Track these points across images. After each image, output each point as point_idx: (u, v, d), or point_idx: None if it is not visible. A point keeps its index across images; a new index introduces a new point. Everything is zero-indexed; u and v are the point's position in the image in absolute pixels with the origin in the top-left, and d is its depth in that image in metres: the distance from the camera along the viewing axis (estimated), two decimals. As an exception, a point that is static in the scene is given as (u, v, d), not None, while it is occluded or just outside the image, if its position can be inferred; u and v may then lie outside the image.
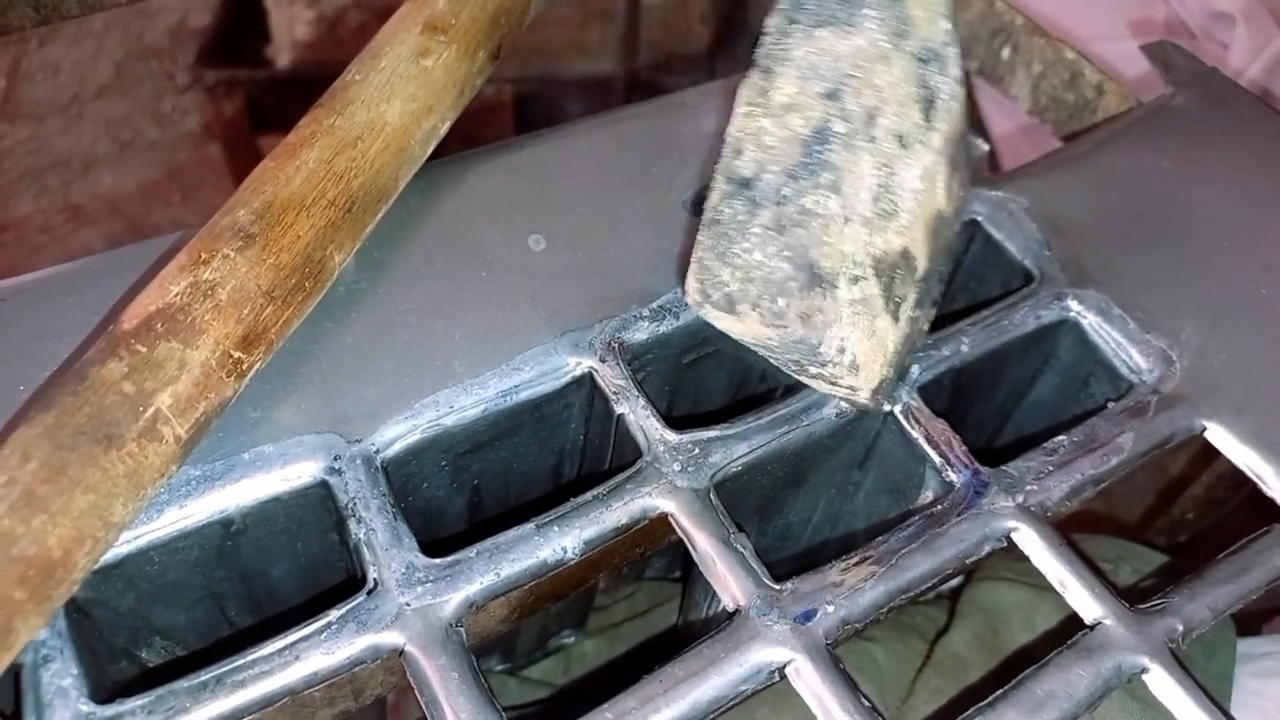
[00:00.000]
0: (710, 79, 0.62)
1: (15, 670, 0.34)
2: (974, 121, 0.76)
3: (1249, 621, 0.65)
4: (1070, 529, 0.43)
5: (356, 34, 1.32)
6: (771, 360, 0.40)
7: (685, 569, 0.61)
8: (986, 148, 0.55)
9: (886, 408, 0.42)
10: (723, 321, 0.38)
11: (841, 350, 0.37)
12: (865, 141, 0.36)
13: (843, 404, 0.43)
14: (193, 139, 1.86)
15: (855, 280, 0.36)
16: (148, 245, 0.43)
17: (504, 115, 1.32)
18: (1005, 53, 0.60)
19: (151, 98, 1.94)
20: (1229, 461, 0.44)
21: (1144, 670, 0.37)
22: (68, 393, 0.33)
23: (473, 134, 0.49)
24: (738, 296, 0.36)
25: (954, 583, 0.63)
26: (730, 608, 0.38)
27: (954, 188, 0.40)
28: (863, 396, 0.40)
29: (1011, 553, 0.41)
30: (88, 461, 0.32)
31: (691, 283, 0.37)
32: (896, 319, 0.38)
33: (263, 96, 1.35)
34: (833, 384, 0.39)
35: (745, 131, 0.36)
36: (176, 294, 0.35)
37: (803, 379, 0.41)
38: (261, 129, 1.39)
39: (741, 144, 0.36)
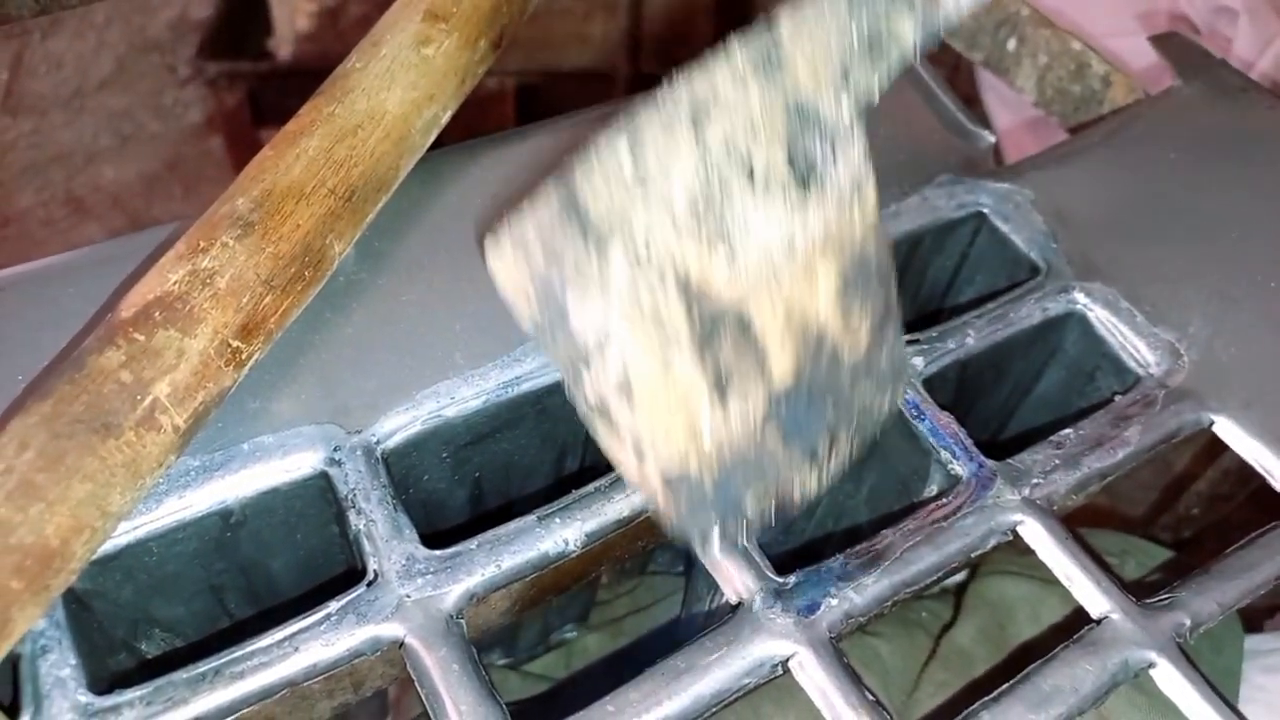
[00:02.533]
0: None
1: (13, 660, 0.33)
2: (980, 113, 0.76)
3: (1255, 618, 0.64)
4: (1074, 524, 0.42)
5: (358, 26, 1.31)
6: (551, 359, 0.33)
7: (688, 563, 0.60)
8: (992, 139, 0.54)
9: (700, 552, 0.35)
10: (494, 267, 0.31)
11: (604, 342, 0.29)
12: (686, 128, 0.30)
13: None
14: (194, 132, 1.86)
15: (639, 263, 0.29)
16: (146, 235, 0.43)
17: (506, 107, 1.31)
18: (1011, 44, 0.60)
19: (153, 91, 1.94)
20: (1234, 457, 0.44)
21: (1151, 665, 0.37)
22: (65, 381, 0.33)
23: (474, 125, 0.49)
24: (508, 232, 0.30)
25: (959, 577, 0.62)
26: (733, 601, 0.37)
27: (857, 323, 0.33)
28: (651, 480, 0.32)
29: (1017, 546, 0.41)
30: (85, 450, 0.32)
31: (490, 239, 0.31)
32: (721, 399, 0.31)
33: (264, 89, 1.34)
34: (612, 427, 0.31)
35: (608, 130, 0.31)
36: (175, 282, 0.35)
37: (589, 423, 0.33)
38: (263, 121, 1.39)
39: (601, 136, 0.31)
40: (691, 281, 0.30)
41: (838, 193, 0.32)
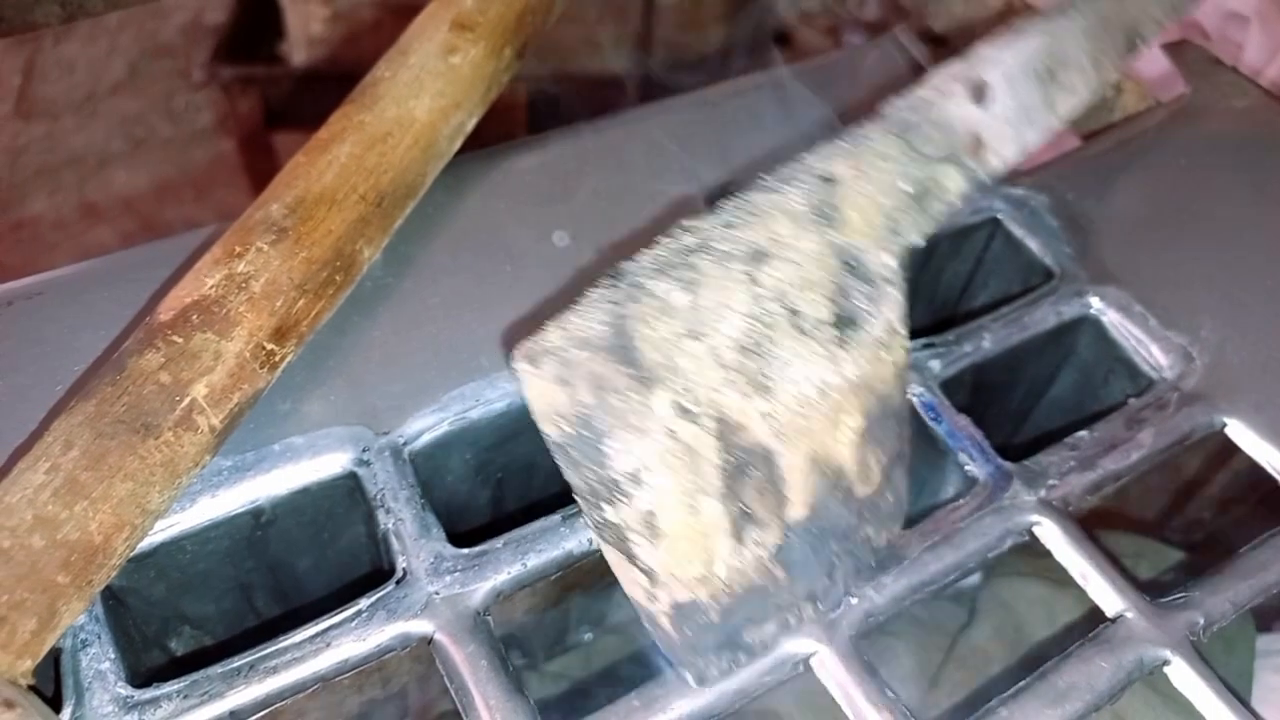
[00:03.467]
0: (724, 78, 0.62)
1: (55, 654, 0.34)
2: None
3: (1266, 618, 0.65)
4: (1089, 527, 0.43)
5: (372, 31, 1.33)
6: (576, 494, 0.32)
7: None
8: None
9: (693, 680, 0.35)
10: (526, 384, 0.31)
11: (636, 480, 0.29)
12: (742, 273, 0.31)
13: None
14: (206, 136, 1.87)
15: (684, 411, 0.30)
16: (181, 239, 0.44)
17: (518, 113, 1.32)
18: (1024, 51, 0.61)
19: (165, 95, 1.95)
20: (1245, 460, 0.45)
21: (1165, 663, 0.37)
22: (107, 383, 0.34)
23: (485, 128, 0.50)
24: (549, 349, 0.30)
25: (975, 580, 0.63)
26: (754, 600, 0.38)
27: (871, 464, 0.34)
28: (661, 605, 0.32)
29: (1031, 550, 0.41)
30: (126, 450, 0.33)
31: (521, 343, 0.31)
32: (738, 535, 0.31)
33: (277, 93, 1.35)
34: (629, 557, 0.31)
35: (648, 249, 0.33)
36: (211, 286, 0.36)
37: (604, 549, 0.33)
38: (276, 125, 1.40)
39: (640, 255, 0.32)
40: (728, 423, 0.30)
41: (873, 340, 0.33)
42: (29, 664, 0.31)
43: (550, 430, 0.30)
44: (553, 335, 0.30)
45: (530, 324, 0.38)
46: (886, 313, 0.33)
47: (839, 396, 0.32)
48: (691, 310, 0.30)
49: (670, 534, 0.30)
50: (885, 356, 0.33)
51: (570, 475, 0.31)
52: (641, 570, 0.31)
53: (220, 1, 1.60)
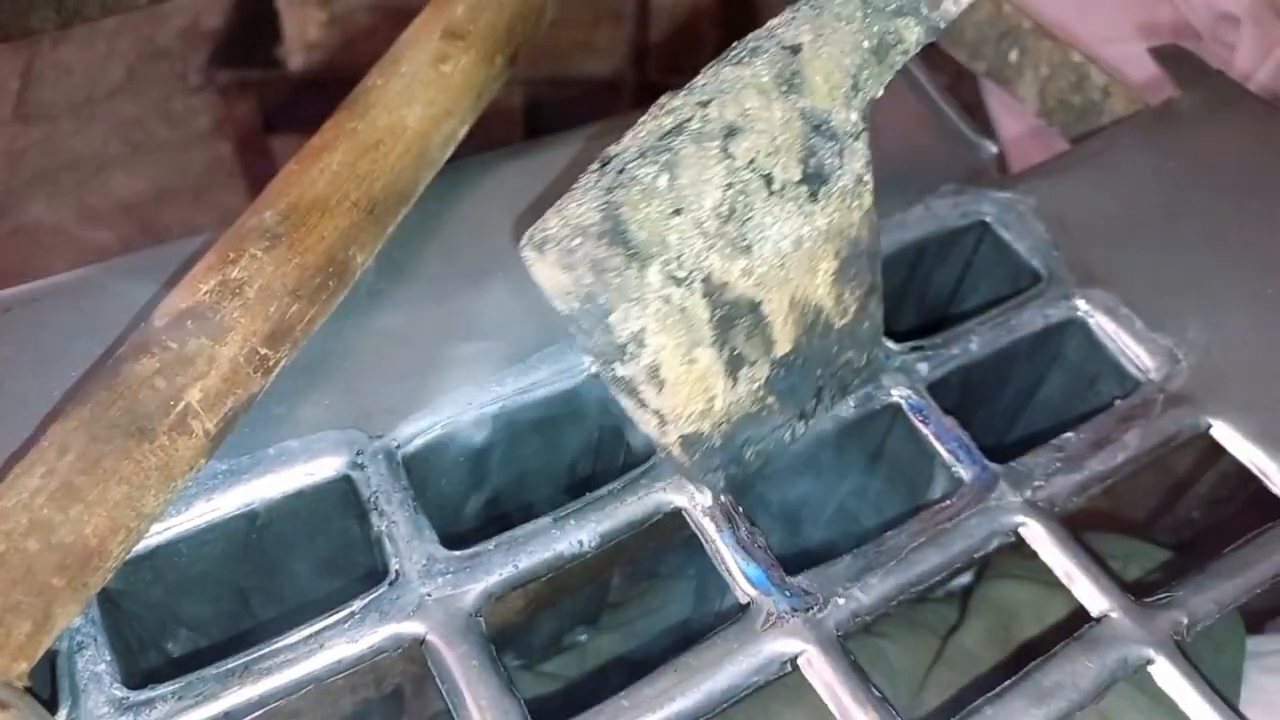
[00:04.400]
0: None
1: (51, 656, 0.35)
2: (983, 123, 0.77)
3: (1257, 618, 0.65)
4: (1078, 527, 0.44)
5: (368, 36, 1.33)
6: (586, 352, 0.39)
7: (698, 567, 0.62)
8: (995, 150, 0.55)
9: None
10: (535, 268, 0.35)
11: (640, 342, 0.34)
12: (718, 150, 0.34)
13: (856, 399, 0.43)
14: (204, 140, 1.87)
15: (675, 280, 0.34)
16: (177, 246, 0.44)
17: (513, 117, 1.33)
18: (1013, 55, 0.61)
19: (163, 99, 1.96)
20: (1233, 460, 0.45)
21: (1149, 662, 0.38)
22: (102, 387, 0.34)
23: (481, 132, 0.50)
24: (550, 237, 0.34)
25: (965, 580, 0.63)
26: (743, 600, 0.38)
27: (847, 299, 0.39)
28: (671, 438, 0.37)
29: (1022, 551, 0.42)
30: (122, 454, 0.33)
31: (526, 232, 0.35)
32: (732, 375, 0.36)
33: (274, 97, 1.36)
34: (640, 404, 0.36)
35: (632, 130, 0.36)
36: (206, 292, 0.36)
37: (618, 396, 0.37)
38: (273, 129, 1.40)
39: (625, 137, 0.36)
40: (714, 281, 0.35)
41: (841, 191, 0.37)
42: (25, 666, 0.31)
43: (561, 306, 0.35)
44: (553, 222, 0.34)
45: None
46: (853, 165, 0.37)
47: (813, 245, 0.37)
48: (672, 190, 0.34)
49: (672, 381, 0.35)
50: (854, 204, 0.38)
51: (582, 341, 0.35)
52: (652, 413, 0.36)
53: (217, 6, 1.61)
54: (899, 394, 0.45)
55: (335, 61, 1.35)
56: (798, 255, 0.36)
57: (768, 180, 0.35)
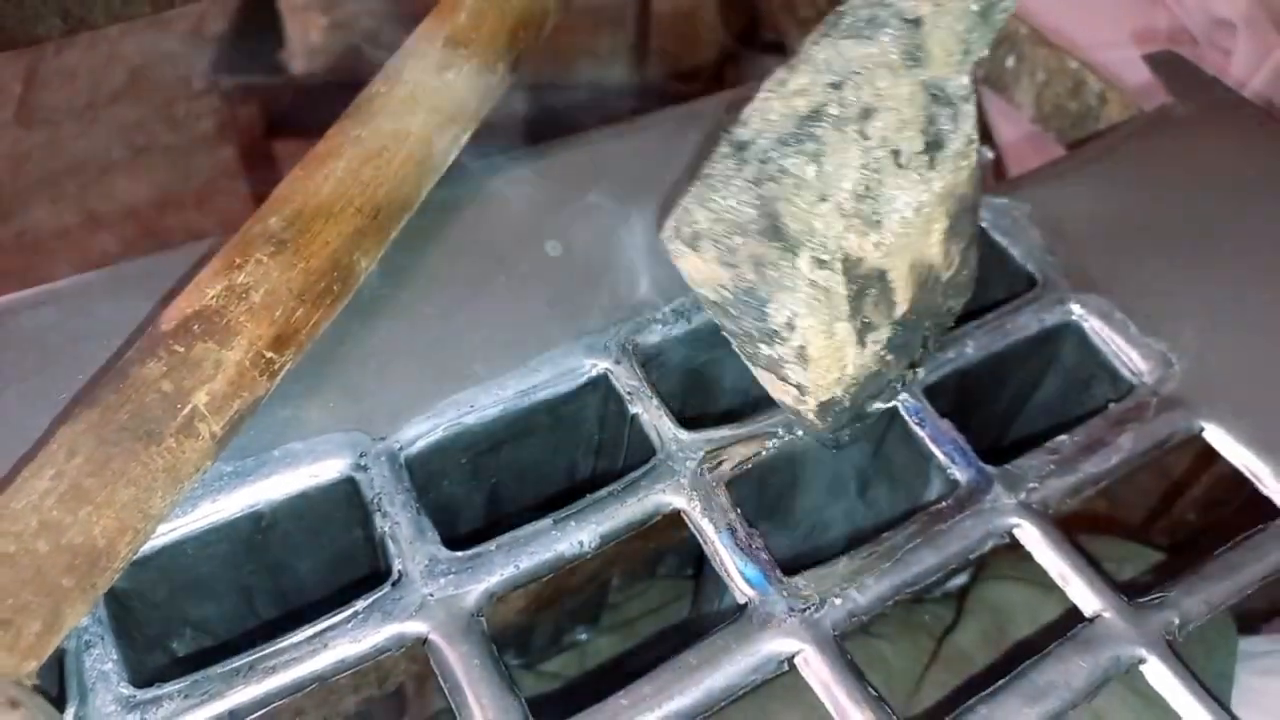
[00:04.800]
0: (719, 87, 0.63)
1: (59, 655, 0.35)
2: (980, 129, 0.77)
3: (1250, 620, 0.66)
4: (1074, 530, 0.44)
5: (370, 40, 1.34)
6: (727, 332, 0.40)
7: (697, 567, 0.62)
8: (991, 155, 0.56)
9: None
10: (686, 261, 0.39)
11: (790, 326, 0.37)
12: (855, 132, 0.37)
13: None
14: (207, 144, 1.88)
15: (820, 264, 0.37)
16: (183, 251, 0.45)
17: (515, 122, 1.34)
18: (1010, 61, 0.62)
19: (165, 103, 1.97)
20: (1228, 463, 0.46)
21: (1141, 661, 0.38)
22: (110, 391, 0.35)
23: (485, 140, 0.51)
24: (703, 233, 0.37)
25: (961, 580, 0.64)
26: (740, 600, 0.39)
27: (953, 253, 0.41)
28: (809, 406, 0.40)
29: (1016, 551, 0.42)
30: (129, 456, 0.34)
31: (669, 222, 0.39)
32: (861, 341, 0.39)
33: (278, 102, 1.37)
34: (782, 379, 0.40)
35: (754, 108, 0.38)
36: (213, 297, 0.37)
37: (755, 369, 0.41)
38: (276, 133, 1.41)
39: (749, 117, 0.38)
40: (851, 259, 0.37)
41: (955, 154, 0.39)
42: (34, 665, 0.32)
43: (710, 294, 0.38)
44: (699, 215, 0.37)
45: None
46: (965, 128, 0.39)
47: (930, 209, 0.39)
48: (820, 179, 0.36)
49: (816, 358, 0.38)
50: (964, 164, 0.39)
51: (726, 324, 0.39)
52: (793, 386, 0.40)
53: (221, 11, 1.62)
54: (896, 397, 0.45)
55: (338, 66, 1.35)
56: (917, 221, 0.39)
57: (896, 155, 0.37)
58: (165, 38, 2.00)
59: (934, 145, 0.38)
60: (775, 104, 0.37)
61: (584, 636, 0.61)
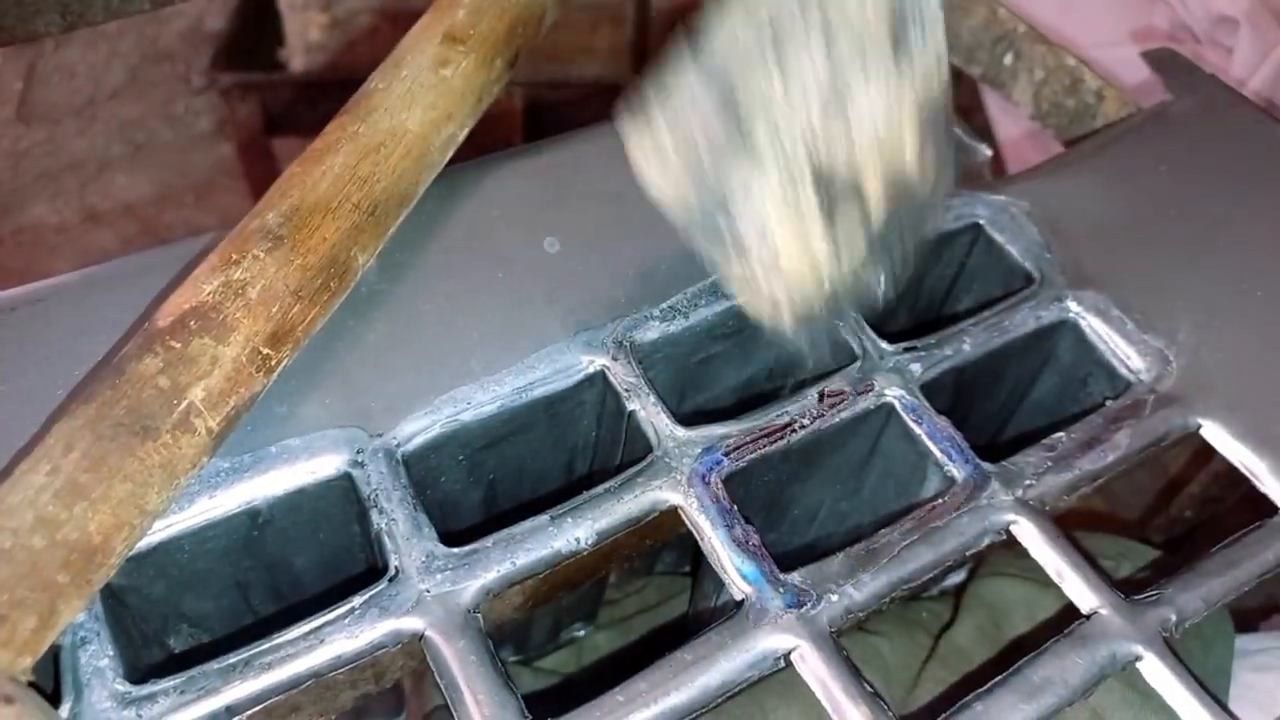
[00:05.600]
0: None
1: (54, 651, 0.35)
2: (979, 126, 0.77)
3: (1248, 618, 0.66)
4: (1072, 527, 0.44)
5: (369, 39, 1.34)
6: (699, 250, 0.41)
7: (694, 563, 0.62)
8: (989, 153, 0.56)
9: (810, 360, 0.44)
10: (651, 169, 0.38)
11: (763, 236, 0.38)
12: (820, 43, 0.37)
13: (847, 410, 0.44)
14: (205, 141, 1.88)
15: (789, 175, 0.37)
16: (180, 246, 0.45)
17: (513, 119, 1.33)
18: (1008, 59, 0.62)
19: (164, 101, 1.97)
20: (1225, 460, 0.46)
21: (1138, 658, 0.38)
22: (107, 386, 0.35)
23: (482, 133, 0.51)
24: (666, 134, 0.36)
25: (959, 578, 0.64)
26: (737, 597, 0.39)
27: (927, 160, 0.41)
28: (786, 316, 0.41)
29: (1012, 548, 0.42)
30: (126, 452, 0.34)
31: (631, 134, 0.38)
32: (838, 256, 0.40)
33: (276, 99, 1.37)
34: (757, 292, 0.40)
35: (716, 19, 0.37)
36: (209, 292, 0.37)
37: (730, 285, 0.42)
38: (275, 130, 1.41)
39: (712, 28, 0.36)
40: (822, 170, 0.38)
41: (925, 67, 0.40)
42: (29, 661, 0.32)
43: (680, 210, 0.38)
44: (665, 133, 0.37)
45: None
46: (933, 44, 0.39)
47: (902, 123, 0.39)
48: (785, 91, 0.36)
49: (790, 266, 0.39)
50: (934, 77, 0.40)
51: (698, 239, 0.39)
52: (768, 298, 0.41)
53: (220, 9, 1.61)
54: (892, 394, 0.45)
55: (337, 64, 1.35)
56: (890, 136, 0.39)
57: (863, 65, 0.38)
58: (164, 36, 2.00)
59: (904, 57, 0.38)
60: (738, 14, 0.36)
61: (581, 633, 0.61)
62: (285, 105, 1.35)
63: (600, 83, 1.36)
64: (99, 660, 0.35)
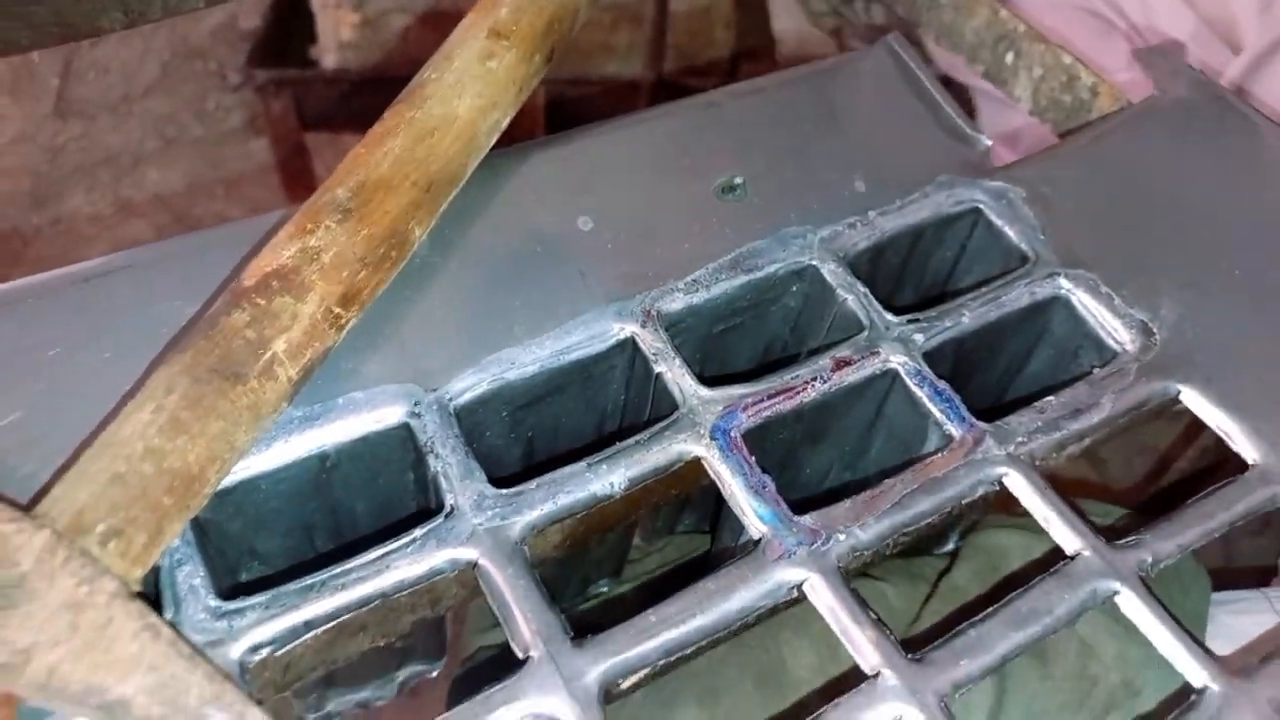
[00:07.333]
0: (731, 80, 0.67)
1: (154, 571, 0.40)
2: (979, 120, 0.81)
3: (1243, 582, 0.69)
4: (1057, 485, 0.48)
5: (398, 38, 1.39)
6: None
7: (713, 523, 0.67)
8: (989, 143, 0.60)
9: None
10: None
11: None
12: None
13: (855, 375, 0.48)
14: (235, 136, 1.93)
15: None
16: (254, 221, 0.49)
17: (536, 114, 1.38)
18: (1009, 58, 0.66)
19: (195, 97, 2.02)
20: (1210, 435, 0.50)
21: (1116, 593, 0.42)
22: (201, 337, 0.39)
23: (509, 129, 0.55)
24: None
25: (957, 544, 0.68)
26: (755, 536, 0.43)
27: None
28: None
29: (1013, 511, 0.46)
30: (219, 394, 0.39)
31: None
32: None
33: (309, 95, 1.42)
34: None
35: None
36: (288, 257, 0.42)
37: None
38: (308, 125, 1.46)
39: None
40: None
41: None
42: (139, 572, 0.36)
43: None
44: None
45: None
46: None
47: None
48: None
49: None
50: None
51: None
52: None
53: (254, 7, 1.67)
54: (897, 361, 0.50)
55: (367, 61, 1.40)
56: None
57: None
58: (195, 33, 2.06)
59: None
60: None
61: (606, 589, 0.66)
62: (317, 101, 1.40)
63: (618, 79, 1.41)
64: (194, 579, 0.40)
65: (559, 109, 1.37)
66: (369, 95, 1.38)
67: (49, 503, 0.35)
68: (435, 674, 0.67)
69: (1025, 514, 0.47)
